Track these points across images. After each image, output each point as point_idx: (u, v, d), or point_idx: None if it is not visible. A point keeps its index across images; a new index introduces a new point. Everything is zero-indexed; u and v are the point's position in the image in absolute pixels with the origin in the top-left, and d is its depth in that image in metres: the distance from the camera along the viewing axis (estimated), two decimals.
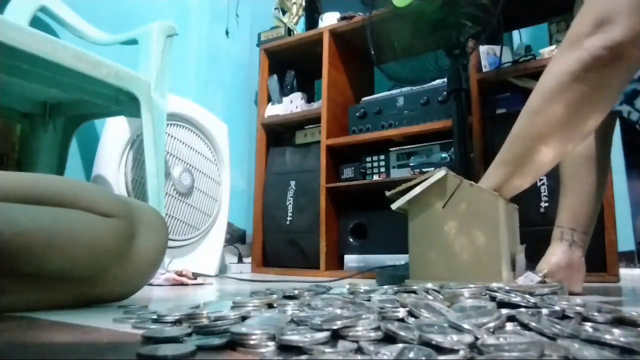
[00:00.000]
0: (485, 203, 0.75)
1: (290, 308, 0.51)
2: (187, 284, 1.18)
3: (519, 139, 0.76)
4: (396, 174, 1.75)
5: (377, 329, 0.37)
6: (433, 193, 0.77)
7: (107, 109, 1.32)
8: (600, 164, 0.97)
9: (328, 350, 0.34)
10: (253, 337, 0.37)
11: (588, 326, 0.39)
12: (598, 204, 0.98)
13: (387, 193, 0.81)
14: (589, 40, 0.68)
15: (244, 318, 0.45)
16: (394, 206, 0.76)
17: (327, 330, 0.36)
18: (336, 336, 0.36)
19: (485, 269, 0.72)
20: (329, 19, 2.02)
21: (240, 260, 2.08)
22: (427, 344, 0.33)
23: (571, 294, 0.87)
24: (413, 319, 0.41)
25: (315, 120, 1.96)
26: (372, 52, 1.29)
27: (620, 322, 0.42)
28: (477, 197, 0.75)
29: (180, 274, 1.20)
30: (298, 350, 0.34)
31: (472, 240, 0.74)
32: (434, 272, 0.74)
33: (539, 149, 0.74)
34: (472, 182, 0.76)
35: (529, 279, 0.82)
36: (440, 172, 0.76)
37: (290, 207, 1.95)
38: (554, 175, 1.34)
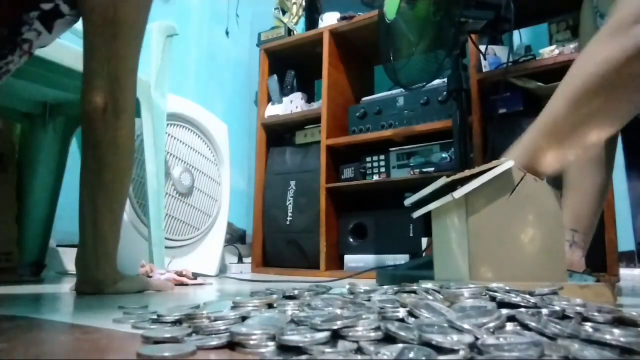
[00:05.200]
0: (550, 200, 0.72)
1: (290, 308, 0.51)
2: (187, 284, 1.18)
3: (557, 122, 0.73)
4: (396, 174, 1.75)
5: (377, 329, 0.37)
6: (493, 186, 0.70)
7: None
8: (605, 166, 0.97)
9: (328, 350, 0.34)
10: (253, 337, 0.37)
11: (588, 326, 0.39)
12: (601, 205, 0.98)
13: (446, 179, 0.72)
14: (636, 28, 0.65)
15: (244, 318, 0.45)
16: (456, 194, 0.67)
17: (327, 330, 0.36)
18: (336, 336, 0.36)
19: (551, 268, 0.70)
20: (329, 19, 2.02)
21: (240, 260, 2.09)
22: (427, 344, 0.33)
23: None
24: (413, 319, 0.41)
25: (315, 120, 1.96)
26: (388, 54, 1.28)
27: (620, 322, 0.42)
28: (541, 193, 0.72)
29: (180, 274, 1.20)
30: (298, 350, 0.34)
31: (536, 237, 0.71)
32: (496, 272, 0.69)
33: (581, 131, 0.71)
34: (536, 177, 0.73)
35: (582, 278, 0.82)
36: (507, 163, 0.70)
37: (290, 207, 1.95)
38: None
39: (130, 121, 0.87)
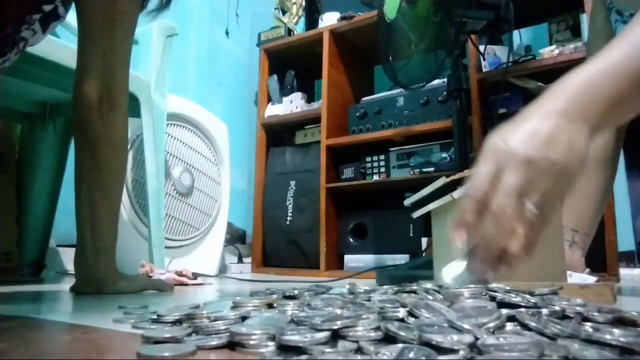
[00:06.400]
0: None
1: (290, 308, 0.51)
2: (187, 284, 1.18)
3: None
4: (396, 174, 1.75)
5: (377, 329, 0.37)
6: None
7: None
8: (608, 167, 0.97)
9: (328, 350, 0.34)
10: (253, 337, 0.37)
11: (588, 326, 0.39)
12: (602, 206, 0.98)
13: (445, 179, 0.72)
14: None
15: (244, 318, 0.45)
16: (455, 194, 0.67)
17: (327, 330, 0.36)
18: (336, 336, 0.36)
19: (551, 268, 0.70)
20: (329, 19, 2.02)
21: (240, 260, 2.09)
22: (427, 344, 0.33)
23: None
24: (413, 319, 0.41)
25: (315, 120, 1.96)
26: (387, 54, 1.28)
27: (620, 322, 0.42)
28: None
29: (180, 274, 1.20)
30: (298, 350, 0.34)
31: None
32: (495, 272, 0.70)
33: None
34: None
35: (582, 278, 0.82)
36: None
37: (290, 207, 1.95)
38: None
39: (124, 117, 0.88)
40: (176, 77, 1.85)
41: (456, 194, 0.68)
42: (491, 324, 0.38)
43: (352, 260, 1.80)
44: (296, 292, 0.62)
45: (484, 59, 1.59)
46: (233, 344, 0.38)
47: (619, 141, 0.99)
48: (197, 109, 1.70)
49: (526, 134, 0.49)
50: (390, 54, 1.29)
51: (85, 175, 0.86)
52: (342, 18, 1.95)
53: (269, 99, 2.13)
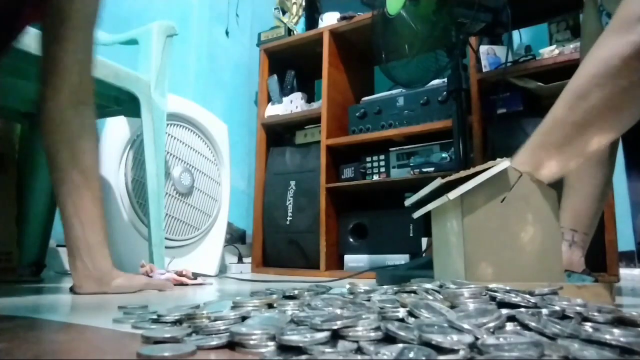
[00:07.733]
0: (546, 200, 0.71)
1: (290, 308, 0.51)
2: (187, 284, 1.18)
3: (558, 124, 0.71)
4: (396, 174, 1.75)
5: (377, 329, 0.37)
6: (489, 186, 0.70)
7: (107, 109, 1.32)
8: (606, 166, 0.97)
9: (328, 350, 0.34)
10: (253, 337, 0.37)
11: (588, 326, 0.39)
12: (601, 205, 0.98)
13: (441, 180, 0.72)
14: None
15: (244, 318, 0.45)
16: (450, 195, 0.67)
17: (327, 330, 0.36)
18: (336, 336, 0.36)
19: (548, 269, 0.70)
20: (329, 19, 2.02)
21: (240, 260, 2.09)
22: (427, 344, 0.33)
23: None
24: (413, 319, 0.41)
25: (315, 120, 1.96)
26: (383, 54, 1.28)
27: (620, 322, 0.42)
28: (537, 193, 0.71)
29: (180, 274, 1.20)
30: (298, 350, 0.34)
31: (533, 238, 0.70)
32: (492, 272, 0.68)
33: (581, 135, 0.70)
34: (533, 176, 0.72)
35: (580, 278, 0.82)
36: (504, 164, 0.69)
37: (290, 207, 1.95)
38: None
39: (93, 112, 0.90)
40: (176, 77, 1.85)
41: (452, 194, 0.67)
42: (491, 324, 0.38)
43: (352, 260, 1.80)
44: (296, 292, 0.62)
45: (478, 62, 1.59)
46: (233, 344, 0.38)
47: (614, 141, 0.99)
48: (197, 109, 1.70)
49: None
50: (385, 52, 1.29)
51: (68, 173, 0.86)
52: (342, 18, 1.95)
53: (269, 99, 2.13)
